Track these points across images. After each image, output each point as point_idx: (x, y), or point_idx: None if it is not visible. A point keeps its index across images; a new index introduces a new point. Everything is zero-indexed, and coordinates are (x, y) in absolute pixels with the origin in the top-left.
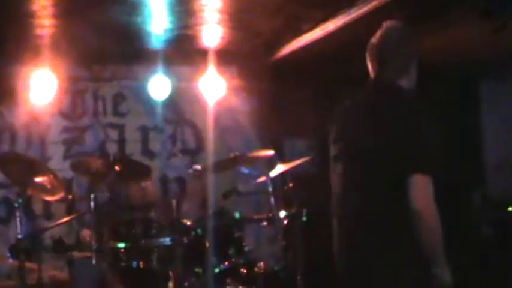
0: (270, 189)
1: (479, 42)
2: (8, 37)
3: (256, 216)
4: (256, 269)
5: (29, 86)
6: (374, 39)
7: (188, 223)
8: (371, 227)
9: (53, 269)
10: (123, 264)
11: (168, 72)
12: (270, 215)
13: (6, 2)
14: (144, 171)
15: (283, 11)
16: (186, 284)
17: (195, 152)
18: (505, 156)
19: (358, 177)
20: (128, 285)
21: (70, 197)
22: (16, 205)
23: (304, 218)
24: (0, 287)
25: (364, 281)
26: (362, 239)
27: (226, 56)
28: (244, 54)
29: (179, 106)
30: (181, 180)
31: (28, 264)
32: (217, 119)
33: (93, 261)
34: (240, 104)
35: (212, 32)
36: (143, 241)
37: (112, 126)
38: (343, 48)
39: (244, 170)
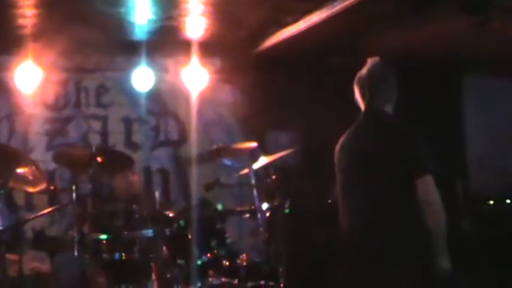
0: (253, 181)
1: (461, 37)
2: None
3: (238, 208)
4: (238, 261)
5: (12, 76)
6: (363, 72)
7: (171, 215)
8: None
9: (34, 261)
10: (105, 256)
11: (152, 63)
12: (253, 207)
13: None
14: (126, 163)
15: (267, 3)
16: (168, 275)
17: (178, 144)
18: (487, 151)
19: (368, 189)
20: (110, 277)
21: (52, 188)
22: None
23: (287, 210)
24: None
25: (375, 273)
26: (373, 233)
27: (209, 48)
28: (228, 46)
29: (162, 98)
30: (164, 172)
31: (9, 256)
32: (200, 111)
33: (75, 253)
34: (223, 96)
35: (196, 24)
36: (125, 233)
37: (95, 117)
38: (327, 40)
39: (227, 162)
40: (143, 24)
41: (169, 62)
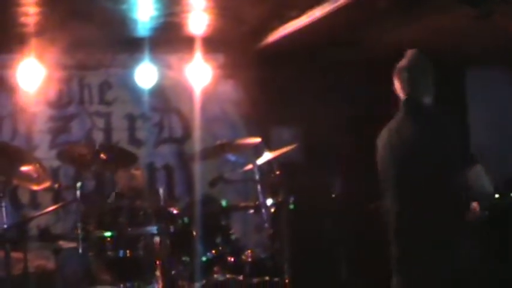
0: (257, 177)
1: (464, 30)
2: None
3: (243, 204)
4: (243, 257)
5: (15, 74)
6: (403, 64)
7: (175, 211)
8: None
9: (39, 259)
10: (109, 253)
11: (155, 60)
12: (257, 202)
13: None
14: (130, 160)
15: None
16: (172, 272)
17: (181, 140)
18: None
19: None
20: (114, 274)
21: (56, 186)
22: (1, 194)
23: (291, 206)
24: None
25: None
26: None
27: (212, 44)
28: (230, 42)
29: (166, 94)
30: (168, 168)
31: (14, 254)
32: (203, 107)
33: (80, 250)
34: (226, 91)
35: (198, 20)
36: (129, 230)
37: (98, 114)
38: (330, 35)
39: (231, 157)
40: (146, 20)
41: (172, 58)
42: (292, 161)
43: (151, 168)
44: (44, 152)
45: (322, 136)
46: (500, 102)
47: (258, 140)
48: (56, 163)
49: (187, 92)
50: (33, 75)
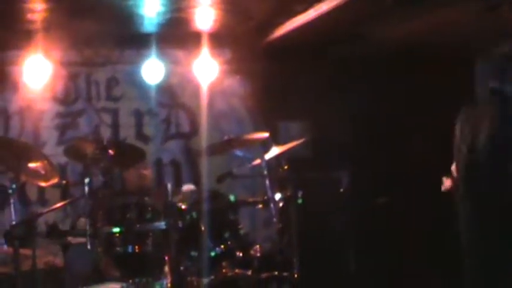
0: (265, 171)
1: (474, 21)
2: (0, 22)
3: (251, 199)
4: (251, 252)
5: (22, 71)
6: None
7: (183, 207)
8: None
9: (47, 255)
10: (118, 249)
11: (162, 55)
12: (265, 197)
13: None
14: (138, 155)
15: None
16: (181, 268)
17: (189, 136)
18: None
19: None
20: (123, 270)
21: (64, 182)
22: (10, 191)
23: (300, 201)
24: None
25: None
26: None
27: (219, 39)
28: (237, 37)
29: (173, 90)
30: (176, 164)
31: (22, 251)
32: (211, 102)
33: (88, 246)
34: (233, 86)
35: (205, 15)
36: (138, 225)
37: (106, 110)
38: (337, 29)
39: (239, 152)
40: (152, 16)
41: (179, 54)
42: (300, 155)
43: (158, 164)
44: (52, 148)
45: (329, 130)
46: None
47: (265, 135)
48: (63, 159)
49: (195, 88)
50: (40, 71)
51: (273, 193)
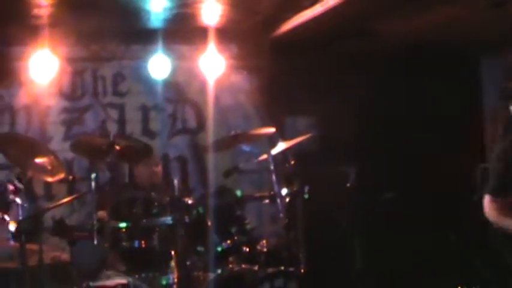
0: (272, 166)
1: (479, 18)
2: (6, 17)
3: (257, 194)
4: (258, 247)
5: (28, 66)
6: None
7: (190, 202)
8: None
9: (54, 250)
10: (124, 244)
11: (168, 51)
12: (272, 192)
13: None
14: (145, 151)
15: None
16: (188, 263)
17: (195, 131)
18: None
19: None
20: (129, 264)
21: (71, 177)
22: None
23: (306, 196)
24: (1, 268)
25: None
26: None
27: (226, 34)
28: (244, 32)
29: (179, 85)
30: (182, 159)
31: (29, 246)
32: (217, 98)
33: (95, 242)
34: (240, 82)
35: (211, 10)
36: (144, 220)
37: (112, 106)
38: (344, 24)
39: (245, 148)
40: (159, 11)
41: (186, 49)
42: (307, 150)
43: (165, 160)
44: (58, 143)
45: (336, 125)
46: None
47: (272, 130)
48: (70, 155)
49: (201, 83)
50: (47, 67)
51: (280, 188)
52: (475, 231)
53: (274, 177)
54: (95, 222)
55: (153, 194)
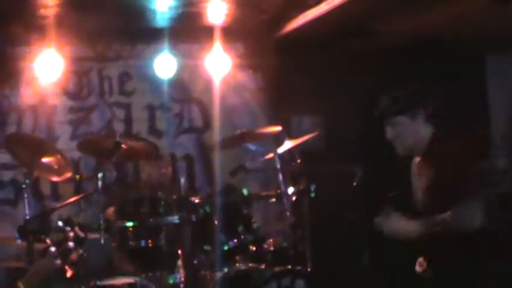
0: (278, 165)
1: (484, 15)
2: (12, 18)
3: (264, 193)
4: (265, 246)
5: (34, 66)
6: None
7: (196, 201)
8: None
9: None
10: (131, 243)
11: (174, 50)
12: (278, 191)
13: None
14: (151, 150)
15: None
16: (194, 262)
17: (201, 130)
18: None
19: None
20: (136, 264)
21: (78, 177)
22: (24, 186)
23: (313, 194)
24: (9, 268)
25: None
26: None
27: (231, 33)
28: (249, 31)
29: (185, 84)
30: (189, 159)
31: (36, 245)
32: (223, 97)
33: (102, 241)
34: (246, 81)
35: (217, 9)
36: (151, 220)
37: (118, 105)
38: (350, 22)
39: (252, 146)
40: (164, 10)
41: (192, 48)
42: (313, 149)
43: (172, 159)
44: (65, 143)
45: (342, 124)
46: None
47: (278, 128)
48: (76, 154)
49: (207, 82)
50: (53, 67)
51: (286, 187)
52: None
53: (280, 175)
54: (101, 221)
55: (159, 193)
